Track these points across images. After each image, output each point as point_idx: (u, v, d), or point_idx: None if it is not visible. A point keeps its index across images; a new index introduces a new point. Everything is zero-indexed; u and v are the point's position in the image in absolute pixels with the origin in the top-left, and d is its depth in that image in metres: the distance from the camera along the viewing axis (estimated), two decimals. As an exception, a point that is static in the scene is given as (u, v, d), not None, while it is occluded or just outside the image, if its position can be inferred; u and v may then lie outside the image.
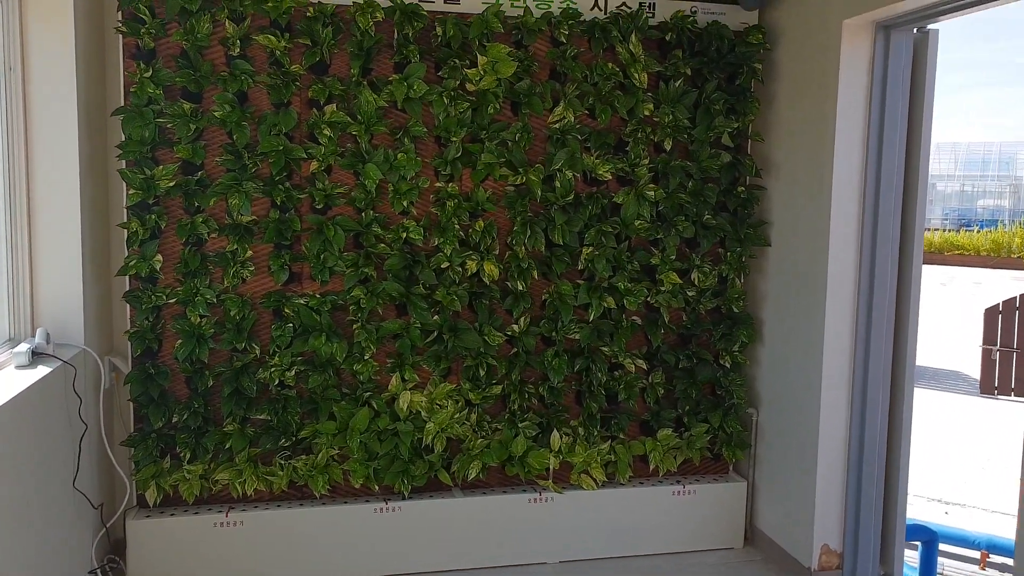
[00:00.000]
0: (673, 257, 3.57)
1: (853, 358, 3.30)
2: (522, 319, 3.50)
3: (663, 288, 3.57)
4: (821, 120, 3.27)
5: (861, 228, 3.25)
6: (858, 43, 3.15)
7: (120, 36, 3.10)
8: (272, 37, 3.11)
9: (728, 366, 3.71)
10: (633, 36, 3.39)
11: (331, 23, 3.19)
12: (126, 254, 3.19)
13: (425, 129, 3.30)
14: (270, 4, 3.10)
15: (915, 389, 3.30)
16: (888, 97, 3.14)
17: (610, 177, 3.49)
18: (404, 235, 3.33)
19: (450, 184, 3.38)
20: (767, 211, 3.71)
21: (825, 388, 3.30)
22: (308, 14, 3.16)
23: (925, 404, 7.65)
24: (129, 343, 3.23)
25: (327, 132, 3.21)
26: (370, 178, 3.24)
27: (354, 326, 3.36)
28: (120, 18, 3.09)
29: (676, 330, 3.69)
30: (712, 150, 3.58)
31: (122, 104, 3.11)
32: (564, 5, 3.43)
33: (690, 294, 3.63)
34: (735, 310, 3.69)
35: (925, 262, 3.39)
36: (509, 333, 3.49)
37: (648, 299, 3.58)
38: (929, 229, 23.65)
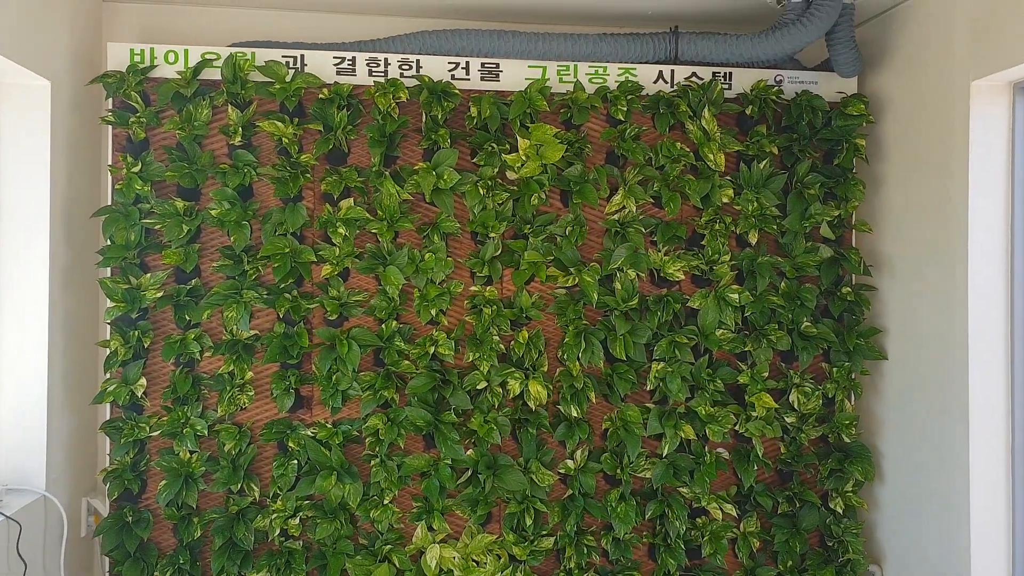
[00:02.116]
0: (766, 375, 2.95)
1: (1011, 507, 2.58)
2: (578, 453, 2.91)
3: (755, 414, 2.94)
4: (946, 204, 2.68)
5: (1011, 339, 2.59)
6: (992, 109, 2.59)
7: (110, 127, 2.78)
8: (279, 123, 2.75)
9: (840, 511, 3.01)
10: (706, 111, 2.91)
11: (348, 106, 2.82)
12: (107, 377, 2.77)
13: (458, 224, 2.84)
14: (277, 86, 2.75)
15: (1104, 553, 2.55)
16: (1039, 173, 2.55)
17: (683, 277, 2.94)
18: (432, 350, 2.83)
19: (488, 288, 2.88)
20: (881, 316, 3.08)
21: (975, 545, 2.58)
22: (321, 96, 2.80)
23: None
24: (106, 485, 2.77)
25: (342, 231, 2.78)
26: (391, 283, 2.77)
27: (371, 463, 2.83)
28: (111, 107, 2.78)
29: (773, 466, 3.03)
30: (808, 243, 3.01)
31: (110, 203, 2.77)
32: (623, 78, 2.99)
33: (789, 420, 2.99)
34: (846, 440, 3.02)
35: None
36: (562, 471, 2.90)
37: (736, 427, 2.95)
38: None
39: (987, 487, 2.58)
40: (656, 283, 3.01)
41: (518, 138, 2.78)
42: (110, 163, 2.75)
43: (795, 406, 2.98)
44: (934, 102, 2.75)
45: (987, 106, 2.59)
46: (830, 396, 3.03)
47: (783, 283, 2.99)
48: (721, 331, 2.92)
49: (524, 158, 2.80)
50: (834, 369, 3.02)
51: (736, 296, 2.91)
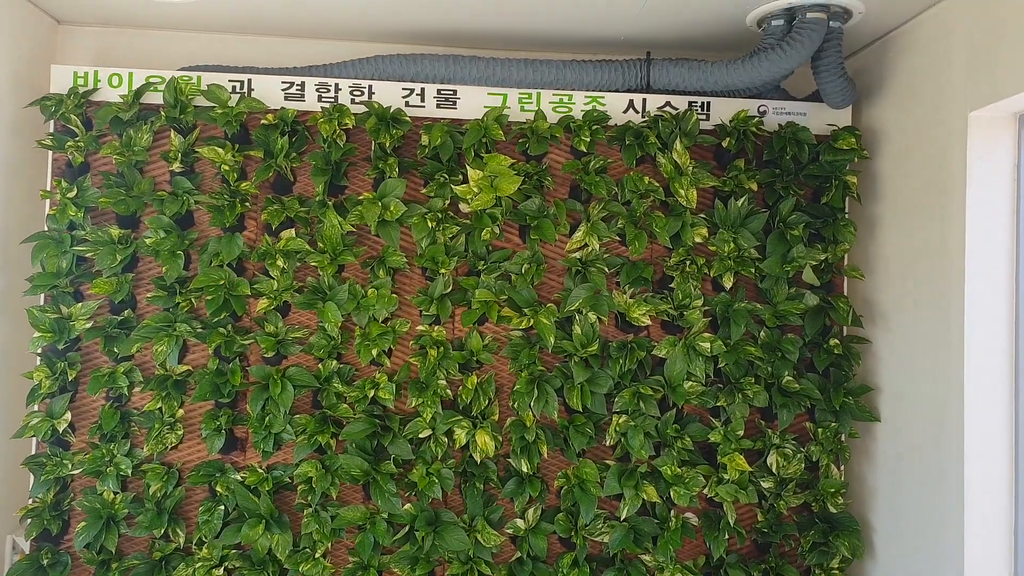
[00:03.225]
0: (740, 433, 2.70)
1: (1015, 602, 2.27)
2: (529, 511, 2.70)
3: (727, 476, 2.68)
4: (943, 249, 2.42)
5: (1015, 402, 2.30)
6: (993, 144, 2.33)
7: (50, 152, 2.73)
8: (218, 149, 2.65)
9: (826, 590, 2.72)
10: (677, 143, 2.71)
11: (293, 132, 2.71)
12: (33, 409, 2.68)
13: (405, 259, 2.69)
14: (219, 111, 2.66)
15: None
16: (1043, 217, 2.28)
17: (648, 322, 2.72)
18: (372, 393, 2.67)
19: (435, 328, 2.72)
20: (873, 372, 2.80)
21: (974, 642, 2.27)
22: (264, 122, 2.70)
23: None
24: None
25: (280, 263, 2.66)
26: (329, 320, 2.63)
27: (303, 512, 2.67)
28: (51, 130, 2.73)
29: (747, 535, 2.76)
30: (792, 289, 2.77)
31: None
32: (589, 107, 2.82)
33: (766, 486, 2.72)
34: (832, 510, 2.73)
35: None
36: (511, 531, 2.69)
37: (706, 490, 2.70)
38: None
39: (985, 563, 2.27)
40: (621, 328, 2.80)
41: (468, 169, 2.62)
42: (45, 188, 2.69)
43: (773, 469, 2.71)
44: (931, 136, 2.51)
45: (987, 140, 2.33)
46: (814, 460, 2.75)
47: (762, 332, 2.75)
48: (690, 383, 2.69)
49: (476, 190, 2.64)
50: (819, 430, 2.75)
51: (707, 345, 2.67)
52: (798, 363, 2.76)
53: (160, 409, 2.67)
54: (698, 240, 2.73)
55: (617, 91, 2.86)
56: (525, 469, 2.66)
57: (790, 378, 2.73)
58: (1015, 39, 2.12)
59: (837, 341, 2.76)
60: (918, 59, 2.59)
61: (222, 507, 2.65)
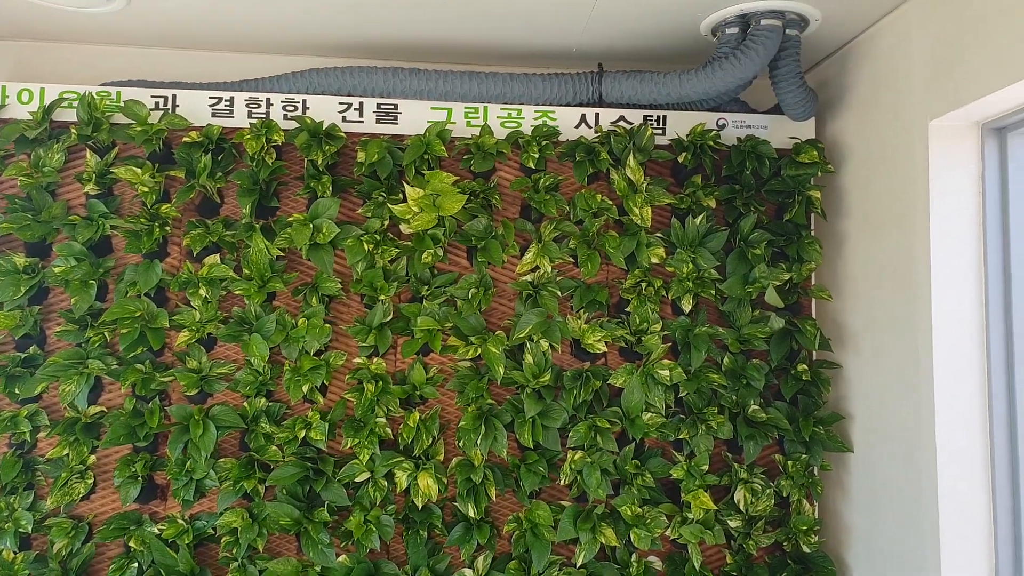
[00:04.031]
0: (705, 468, 2.53)
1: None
2: (479, 560, 2.50)
3: (691, 516, 2.51)
4: (909, 266, 2.30)
5: (989, 432, 2.17)
6: (956, 154, 2.23)
7: (-50, 173, 2.53)
8: (136, 170, 2.48)
9: (802, 637, 2.54)
10: (631, 158, 2.58)
11: (218, 150, 2.55)
12: (-75, 459, 2.44)
13: (339, 285, 2.52)
14: (137, 128, 2.49)
15: None
16: (1014, 228, 2.17)
17: (605, 349, 2.56)
18: (303, 433, 2.47)
19: (374, 360, 2.54)
20: (845, 399, 2.66)
21: None
22: (187, 140, 2.53)
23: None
24: (-88, 587, 2.41)
25: (203, 292, 2.47)
26: (255, 353, 2.44)
27: (228, 567, 2.44)
28: (-47, 150, 2.54)
29: (715, 579, 2.58)
30: (756, 312, 2.63)
31: (-56, 258, 2.49)
32: (539, 121, 2.70)
33: (734, 524, 2.55)
34: (805, 549, 2.57)
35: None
36: (458, 581, 2.49)
37: (670, 532, 2.52)
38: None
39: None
40: (576, 355, 2.64)
41: (406, 188, 2.47)
42: (-56, 213, 2.49)
43: (741, 506, 2.55)
44: (892, 147, 2.41)
45: (950, 150, 2.23)
46: (784, 495, 2.59)
47: (725, 358, 2.61)
48: (649, 415, 2.53)
49: (416, 209, 2.48)
50: (789, 462, 2.59)
51: (667, 373, 2.52)
52: (764, 391, 2.62)
53: (67, 456, 2.44)
54: (655, 260, 2.59)
55: (568, 105, 2.74)
56: (472, 514, 2.46)
57: (756, 407, 2.58)
58: (975, 42, 2.03)
59: (805, 366, 2.62)
60: (878, 67, 2.50)
61: (136, 564, 2.42)
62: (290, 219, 2.48)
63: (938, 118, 2.19)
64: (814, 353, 2.73)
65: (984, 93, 2.00)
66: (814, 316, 2.74)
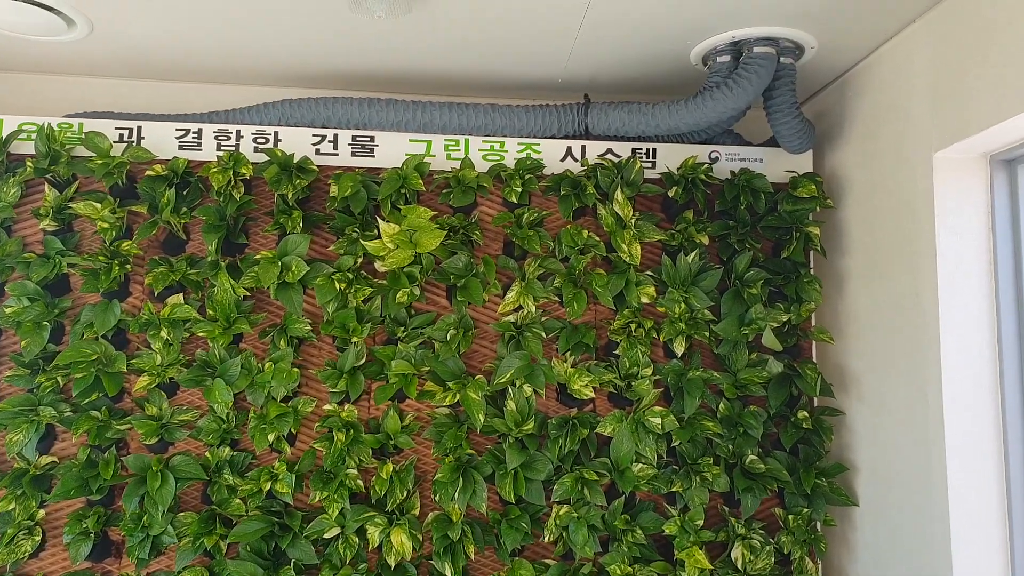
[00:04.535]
0: (700, 523, 2.37)
1: None
2: (456, 623, 2.33)
3: (685, 574, 2.34)
4: (916, 306, 2.17)
5: (1007, 482, 2.02)
6: (963, 188, 2.11)
7: (-100, 208, 2.41)
8: (95, 204, 2.36)
9: None
10: (618, 193, 2.47)
11: (184, 184, 2.43)
12: None
13: (310, 326, 2.39)
14: (98, 161, 2.38)
15: None
16: (1028, 267, 2.04)
17: (592, 394, 2.42)
18: (268, 486, 2.32)
19: (345, 407, 2.39)
20: (848, 448, 2.51)
21: None
22: (151, 173, 2.42)
23: None
24: None
25: (164, 334, 2.34)
26: (217, 400, 2.30)
27: (185, 632, 2.28)
28: (-97, 185, 2.42)
29: (712, 645, 2.41)
30: (753, 355, 2.50)
31: None
32: (523, 154, 2.59)
33: (731, 584, 2.39)
34: (810, 612, 2.40)
35: None
36: (434, 646, 2.32)
37: (662, 592, 2.36)
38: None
39: None
40: (562, 401, 2.50)
41: (380, 223, 2.35)
42: None
43: (739, 565, 2.38)
44: (896, 181, 2.29)
45: (956, 183, 2.11)
46: (785, 552, 2.43)
47: (721, 404, 2.46)
48: (639, 466, 2.38)
49: (391, 246, 2.36)
50: (790, 517, 2.44)
51: (658, 420, 2.37)
52: (763, 440, 2.47)
53: (14, 510, 2.29)
54: (645, 300, 2.46)
55: (553, 137, 2.63)
56: (450, 573, 2.30)
57: (754, 457, 2.43)
58: (979, 69, 1.92)
59: (806, 413, 2.48)
60: (879, 97, 2.40)
61: (86, 628, 2.26)
62: (257, 256, 2.36)
63: (943, 149, 2.07)
64: (815, 399, 2.59)
65: (991, 123, 1.88)
66: (815, 360, 2.60)
